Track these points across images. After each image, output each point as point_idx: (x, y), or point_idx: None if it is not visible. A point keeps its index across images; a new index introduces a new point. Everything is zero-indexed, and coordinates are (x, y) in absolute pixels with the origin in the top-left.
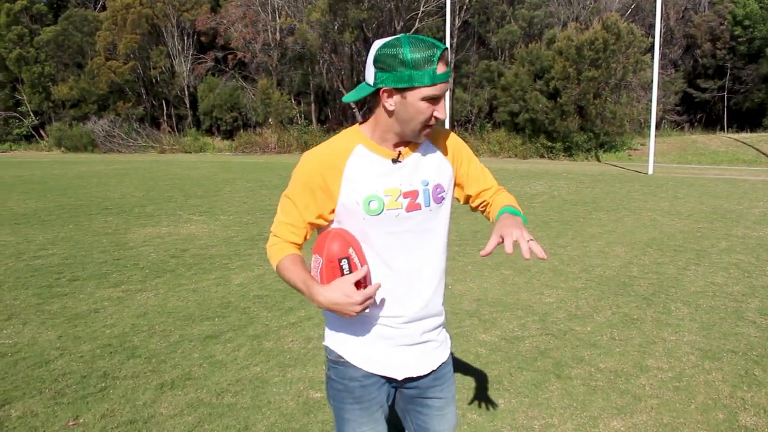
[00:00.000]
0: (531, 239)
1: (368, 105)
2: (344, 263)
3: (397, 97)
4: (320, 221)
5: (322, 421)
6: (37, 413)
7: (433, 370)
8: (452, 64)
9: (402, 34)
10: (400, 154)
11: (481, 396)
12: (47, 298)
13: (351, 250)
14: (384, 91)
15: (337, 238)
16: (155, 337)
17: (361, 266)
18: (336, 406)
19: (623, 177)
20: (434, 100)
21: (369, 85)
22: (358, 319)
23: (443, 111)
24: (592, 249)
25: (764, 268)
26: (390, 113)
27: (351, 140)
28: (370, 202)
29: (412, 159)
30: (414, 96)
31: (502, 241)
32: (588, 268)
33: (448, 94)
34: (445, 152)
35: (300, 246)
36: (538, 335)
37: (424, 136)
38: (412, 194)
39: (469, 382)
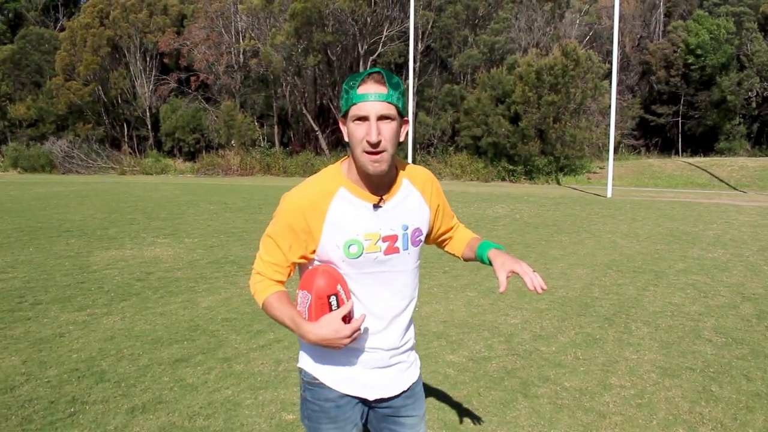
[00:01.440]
0: (534, 271)
1: None
2: (333, 299)
3: (345, 127)
4: (302, 261)
5: None
6: None
7: (404, 390)
8: (415, 88)
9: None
10: (381, 199)
11: (451, 416)
12: (9, 323)
13: (339, 287)
14: (340, 122)
15: (324, 275)
16: (124, 361)
17: (347, 300)
18: (311, 426)
19: (583, 200)
20: (361, 119)
21: None
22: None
23: (373, 134)
24: (555, 271)
25: (719, 289)
26: (348, 145)
27: (333, 182)
28: (350, 246)
29: (393, 202)
30: (349, 119)
31: (510, 275)
32: (551, 289)
33: (411, 118)
34: (424, 194)
35: (283, 283)
36: (504, 355)
37: (372, 167)
38: (392, 238)
39: (439, 402)
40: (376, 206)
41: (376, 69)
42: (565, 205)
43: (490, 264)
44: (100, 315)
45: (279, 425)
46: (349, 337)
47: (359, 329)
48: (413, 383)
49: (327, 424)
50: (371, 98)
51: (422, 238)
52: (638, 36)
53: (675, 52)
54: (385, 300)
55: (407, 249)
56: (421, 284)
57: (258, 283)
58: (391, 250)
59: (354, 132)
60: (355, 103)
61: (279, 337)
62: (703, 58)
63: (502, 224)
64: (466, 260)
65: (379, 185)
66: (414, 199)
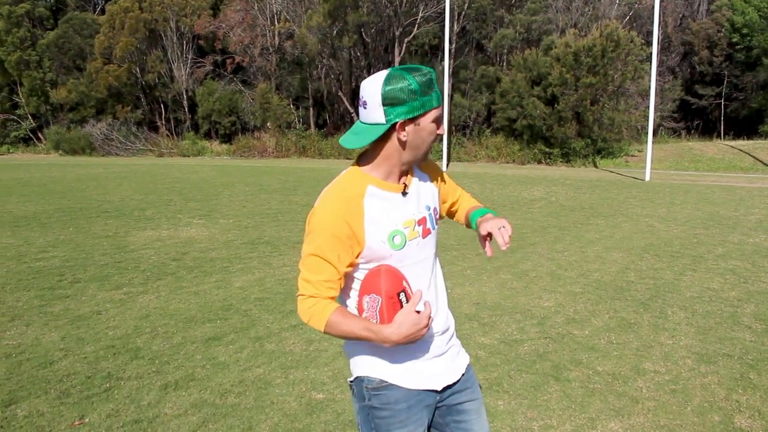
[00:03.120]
0: (502, 226)
1: (370, 145)
2: (402, 296)
3: (410, 127)
4: (350, 269)
5: (325, 421)
6: (43, 413)
7: (462, 374)
8: (450, 70)
9: (390, 69)
10: (405, 186)
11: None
12: (50, 300)
13: (404, 282)
14: (403, 125)
15: (389, 274)
16: (158, 338)
17: (413, 294)
18: None
19: (620, 183)
20: (440, 118)
21: (380, 123)
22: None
23: (443, 127)
24: (590, 254)
25: (760, 274)
26: (403, 144)
27: (360, 183)
28: (393, 237)
29: (414, 187)
30: (426, 120)
31: (488, 239)
32: (586, 272)
33: (446, 99)
34: (430, 176)
35: (334, 299)
36: (536, 338)
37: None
38: (423, 221)
39: None
40: (404, 193)
41: (429, 69)
42: (601, 188)
43: (474, 223)
44: (136, 294)
45: (309, 404)
46: (427, 325)
47: (431, 316)
48: (467, 366)
49: (397, 429)
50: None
51: (437, 217)
52: (680, 15)
53: (719, 31)
54: (430, 285)
55: (435, 228)
56: (453, 266)
57: (313, 306)
58: (427, 232)
59: (432, 130)
60: (437, 106)
61: None
62: (749, 38)
63: (537, 207)
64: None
65: (401, 174)
66: (426, 182)
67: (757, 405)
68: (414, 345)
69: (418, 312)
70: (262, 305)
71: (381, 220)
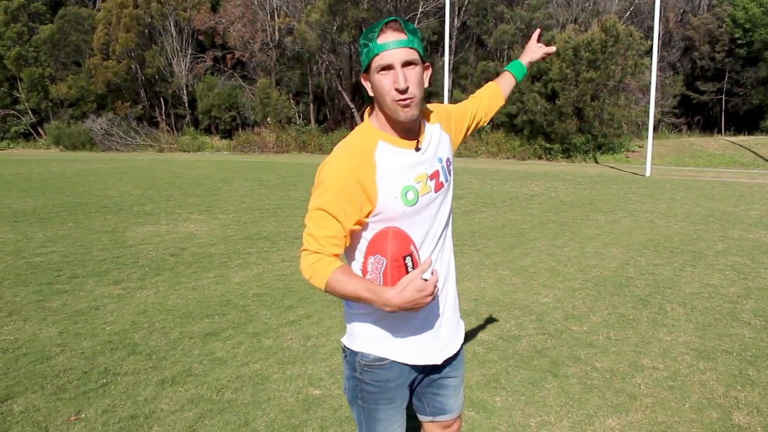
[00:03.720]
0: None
1: None
2: (408, 260)
3: (369, 81)
4: (357, 227)
5: (321, 417)
6: (39, 408)
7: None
8: (450, 65)
9: None
10: (419, 142)
11: (478, 394)
12: (47, 295)
13: (412, 247)
14: (363, 78)
15: (397, 237)
16: (155, 334)
17: (420, 261)
18: (367, 408)
19: (621, 179)
20: (387, 69)
21: None
22: (398, 317)
23: (401, 80)
24: (590, 250)
25: (760, 271)
26: (373, 99)
27: (370, 138)
28: (407, 193)
29: (426, 141)
30: (373, 71)
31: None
32: (585, 268)
33: (446, 95)
34: (441, 124)
35: (339, 257)
36: (535, 334)
37: (404, 114)
38: (435, 174)
39: (467, 380)
40: (417, 149)
41: (392, 18)
42: (602, 184)
43: (525, 68)
44: (134, 289)
45: (306, 400)
46: (432, 293)
47: (437, 284)
48: (461, 343)
49: (385, 405)
50: (393, 46)
51: (452, 167)
52: (681, 11)
53: (720, 27)
54: (437, 241)
55: (448, 180)
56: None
57: (315, 262)
58: (439, 186)
59: (381, 83)
60: (377, 54)
61: (309, 312)
62: (751, 33)
63: (537, 202)
64: (508, 95)
65: (411, 130)
66: (437, 133)
67: (755, 402)
68: (419, 317)
69: (425, 280)
70: (260, 301)
71: (393, 176)
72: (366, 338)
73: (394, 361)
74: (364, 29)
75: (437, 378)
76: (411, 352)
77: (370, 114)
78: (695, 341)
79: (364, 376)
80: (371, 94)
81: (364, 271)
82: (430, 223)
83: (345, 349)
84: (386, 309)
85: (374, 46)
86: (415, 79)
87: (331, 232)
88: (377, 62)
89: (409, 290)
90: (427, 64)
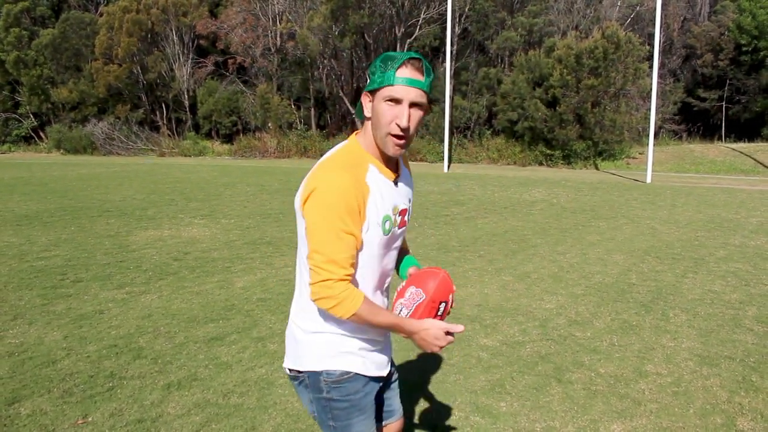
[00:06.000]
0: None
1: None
2: (441, 306)
3: (372, 102)
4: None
5: None
6: (46, 411)
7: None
8: (451, 72)
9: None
10: (397, 176)
11: (484, 399)
12: (52, 299)
13: (450, 296)
14: (364, 95)
15: (443, 283)
16: (160, 338)
17: (450, 309)
18: (340, 425)
19: (622, 185)
20: (395, 101)
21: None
22: (357, 332)
23: (404, 119)
24: (592, 256)
25: (761, 277)
26: (369, 119)
27: (363, 159)
28: (385, 222)
29: (401, 178)
30: (379, 97)
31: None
32: (587, 275)
33: (447, 101)
34: (411, 174)
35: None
36: (538, 340)
37: (393, 150)
38: (404, 212)
39: (472, 386)
40: (396, 182)
41: (417, 55)
42: (603, 191)
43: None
44: (138, 293)
45: None
46: (441, 348)
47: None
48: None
49: (357, 417)
50: (408, 83)
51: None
52: (682, 18)
53: (722, 34)
54: (387, 275)
55: (407, 222)
56: (455, 267)
57: (344, 291)
58: (403, 224)
59: (384, 112)
60: (391, 85)
61: None
62: (756, 40)
63: (538, 209)
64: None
65: (392, 161)
66: (407, 176)
67: (759, 407)
68: (372, 336)
69: (449, 334)
70: (264, 305)
71: (380, 202)
72: (328, 355)
73: (358, 374)
74: (365, 35)
75: (386, 385)
76: (370, 365)
77: (357, 132)
78: (698, 347)
79: (332, 394)
80: (367, 114)
81: (400, 294)
82: (391, 257)
83: (299, 375)
84: (401, 335)
85: (391, 76)
86: (416, 121)
87: (350, 252)
88: (388, 92)
89: (432, 332)
90: (427, 107)
